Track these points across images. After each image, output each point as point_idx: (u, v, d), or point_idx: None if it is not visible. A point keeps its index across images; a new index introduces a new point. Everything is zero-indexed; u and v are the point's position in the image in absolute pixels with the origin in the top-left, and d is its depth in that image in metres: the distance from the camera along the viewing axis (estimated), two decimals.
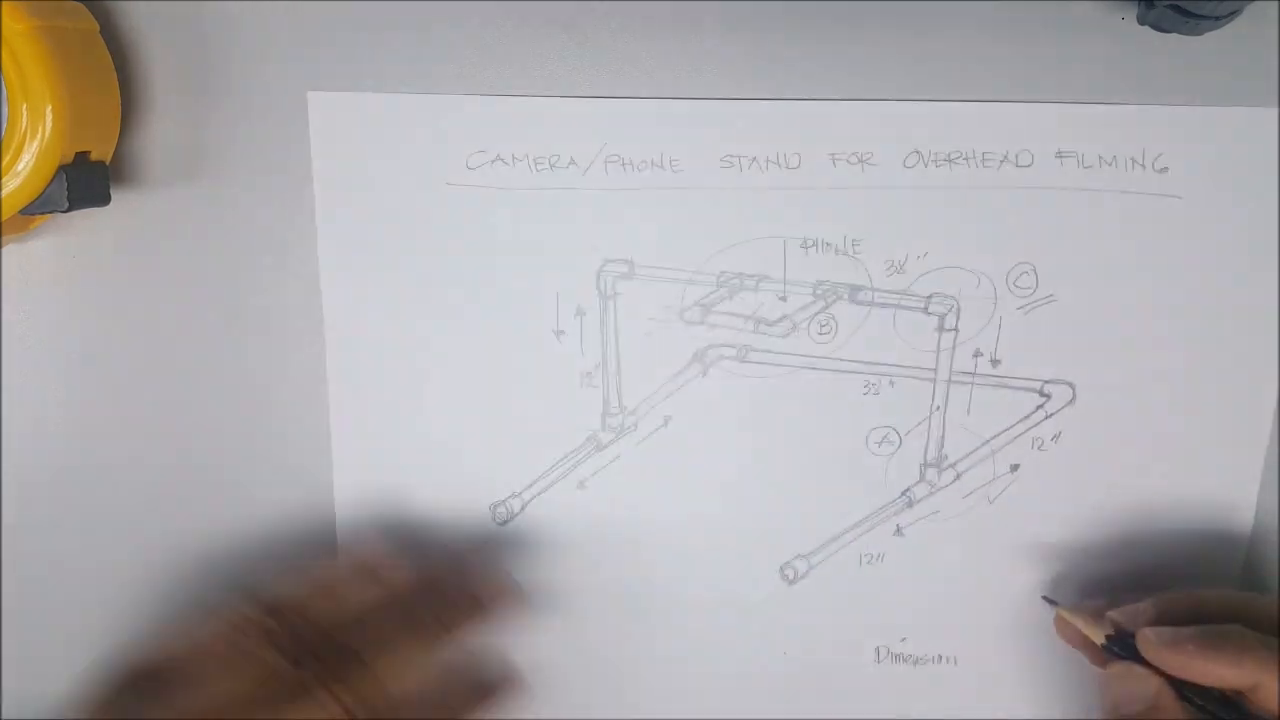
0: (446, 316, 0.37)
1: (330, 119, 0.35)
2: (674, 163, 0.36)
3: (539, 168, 0.36)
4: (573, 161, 0.36)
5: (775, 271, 0.37)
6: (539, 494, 0.39)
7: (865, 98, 0.35)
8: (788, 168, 0.35)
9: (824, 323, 0.37)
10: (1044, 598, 0.39)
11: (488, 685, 0.35)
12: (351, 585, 0.34)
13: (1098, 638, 0.35)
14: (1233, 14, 0.32)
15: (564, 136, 0.35)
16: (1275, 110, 0.35)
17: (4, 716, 0.41)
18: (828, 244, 0.36)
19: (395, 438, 0.38)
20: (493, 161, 0.36)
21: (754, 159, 0.35)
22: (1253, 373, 0.37)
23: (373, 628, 0.33)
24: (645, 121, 0.35)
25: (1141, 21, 0.33)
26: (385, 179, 0.36)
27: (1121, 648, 0.34)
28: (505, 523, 0.39)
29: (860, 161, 0.35)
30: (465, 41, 0.35)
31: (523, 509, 0.39)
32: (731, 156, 0.35)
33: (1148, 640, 0.33)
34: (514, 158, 0.36)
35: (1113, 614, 0.35)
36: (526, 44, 0.35)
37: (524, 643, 0.40)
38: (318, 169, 0.36)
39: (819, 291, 0.37)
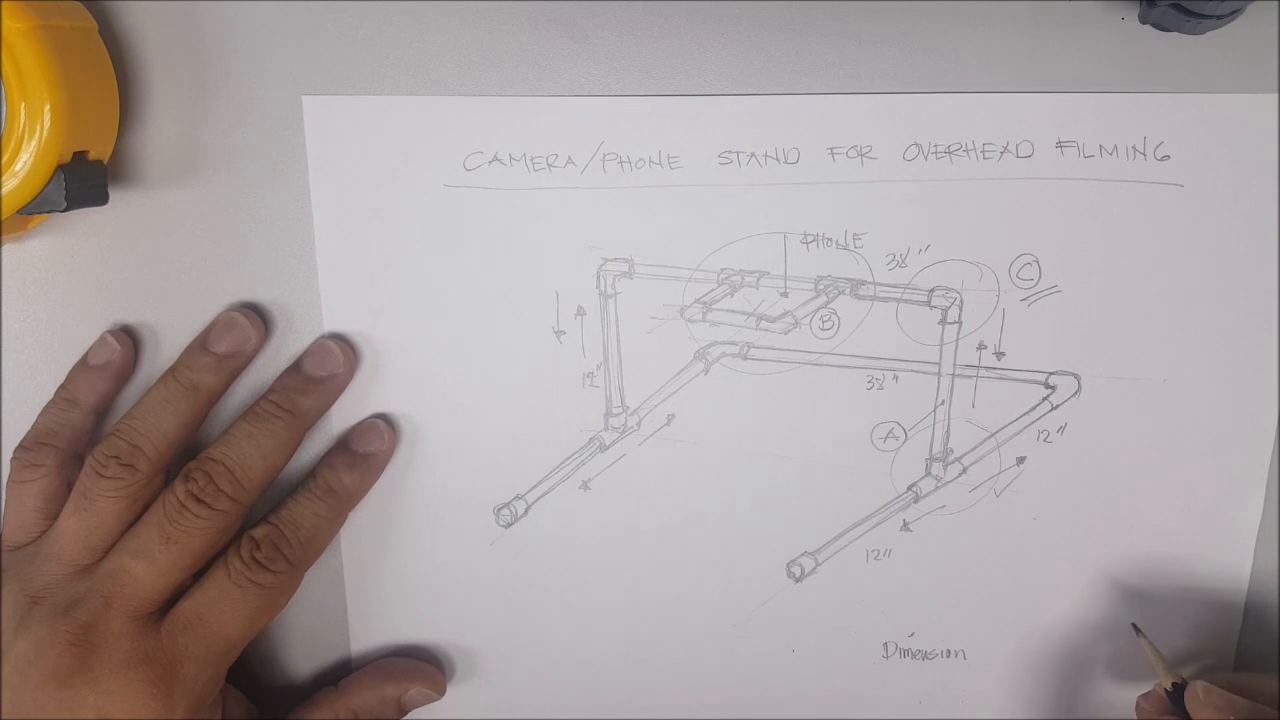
0: (446, 318, 0.37)
1: (325, 122, 0.35)
2: (672, 160, 0.35)
3: (536, 167, 0.35)
4: (570, 160, 0.35)
5: (776, 267, 0.36)
6: (543, 495, 0.39)
7: (863, 91, 0.35)
8: (787, 163, 0.35)
9: (826, 318, 0.37)
10: (1133, 625, 0.39)
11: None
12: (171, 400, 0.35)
13: (1165, 681, 0.36)
14: (1234, 13, 0.31)
15: (561, 135, 0.35)
16: (1276, 96, 0.34)
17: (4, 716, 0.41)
18: (829, 239, 0.36)
19: (397, 441, 0.38)
20: (490, 162, 0.35)
21: (752, 155, 0.35)
22: (1258, 360, 0.37)
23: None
24: (642, 119, 0.35)
25: (1143, 20, 0.33)
26: (382, 182, 0.36)
27: (1176, 702, 0.35)
28: (510, 525, 0.39)
29: (860, 155, 0.35)
30: (460, 42, 0.35)
31: (527, 511, 0.39)
32: (730, 152, 0.35)
33: (1195, 695, 0.34)
34: (511, 158, 0.35)
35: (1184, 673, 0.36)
36: (522, 43, 0.35)
37: (530, 643, 0.40)
38: (314, 173, 0.36)
39: (820, 287, 0.37)
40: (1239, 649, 0.39)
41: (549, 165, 0.35)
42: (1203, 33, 0.32)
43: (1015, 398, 0.38)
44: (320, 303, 0.37)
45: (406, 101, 0.35)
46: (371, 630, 0.40)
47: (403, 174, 0.36)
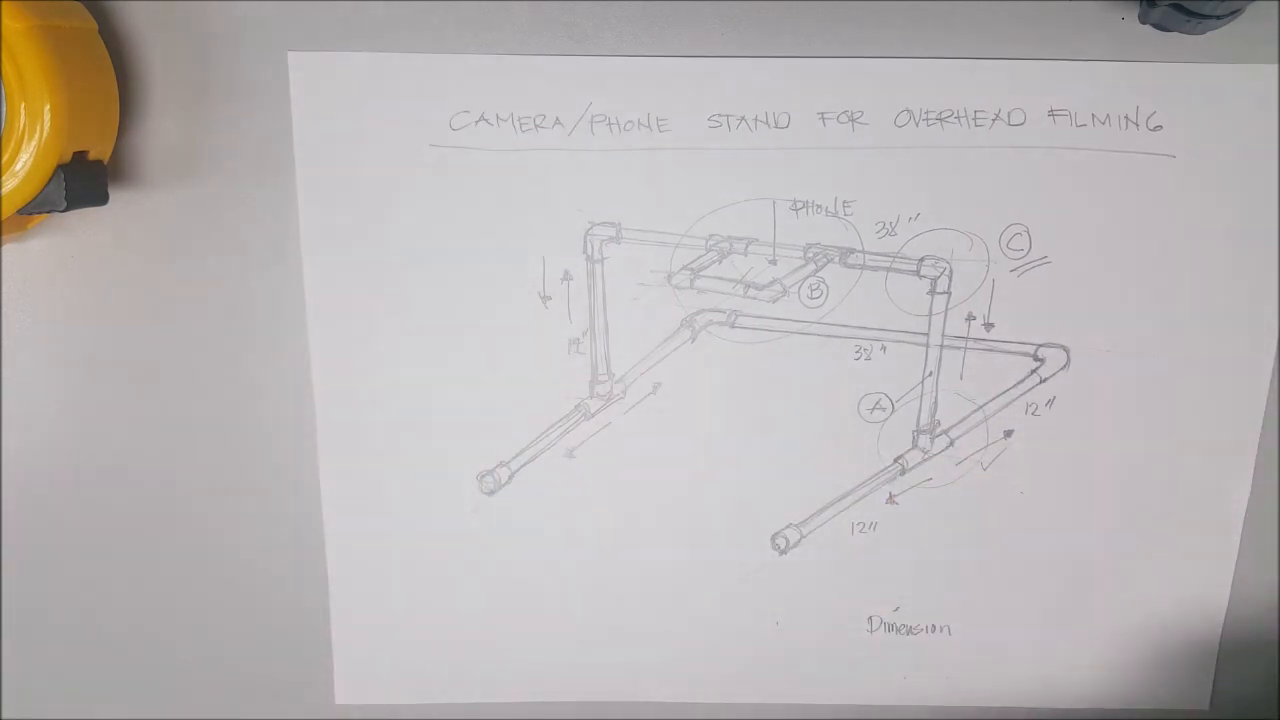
0: (430, 282, 0.36)
1: (311, 79, 0.35)
2: (661, 122, 0.35)
3: (524, 128, 0.35)
4: (558, 121, 0.35)
5: (765, 234, 0.36)
6: (527, 463, 0.38)
7: (855, 55, 0.34)
8: (777, 127, 0.35)
9: (814, 286, 0.37)
10: None
11: None
12: None
13: None
14: (1234, 13, 0.31)
15: (549, 96, 0.35)
16: (1269, 67, 0.34)
17: (4, 717, 0.41)
18: (818, 206, 0.36)
19: (380, 407, 0.38)
20: (477, 122, 0.35)
21: (742, 118, 0.35)
22: (1249, 334, 0.37)
23: None
24: (631, 80, 0.35)
25: (1143, 21, 0.32)
26: (367, 141, 0.35)
27: None
28: (493, 493, 0.39)
29: (850, 120, 0.35)
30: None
31: (510, 478, 0.38)
32: (720, 116, 0.35)
33: None
34: (498, 118, 0.35)
35: None
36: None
37: (510, 610, 0.40)
38: (298, 131, 0.35)
39: (809, 254, 0.36)
40: (1226, 621, 0.39)
41: (536, 126, 0.35)
42: (1203, 33, 0.32)
43: (1004, 370, 0.37)
44: (302, 263, 0.36)
45: (393, 59, 0.34)
46: (353, 594, 0.39)
47: (388, 132, 0.35)
